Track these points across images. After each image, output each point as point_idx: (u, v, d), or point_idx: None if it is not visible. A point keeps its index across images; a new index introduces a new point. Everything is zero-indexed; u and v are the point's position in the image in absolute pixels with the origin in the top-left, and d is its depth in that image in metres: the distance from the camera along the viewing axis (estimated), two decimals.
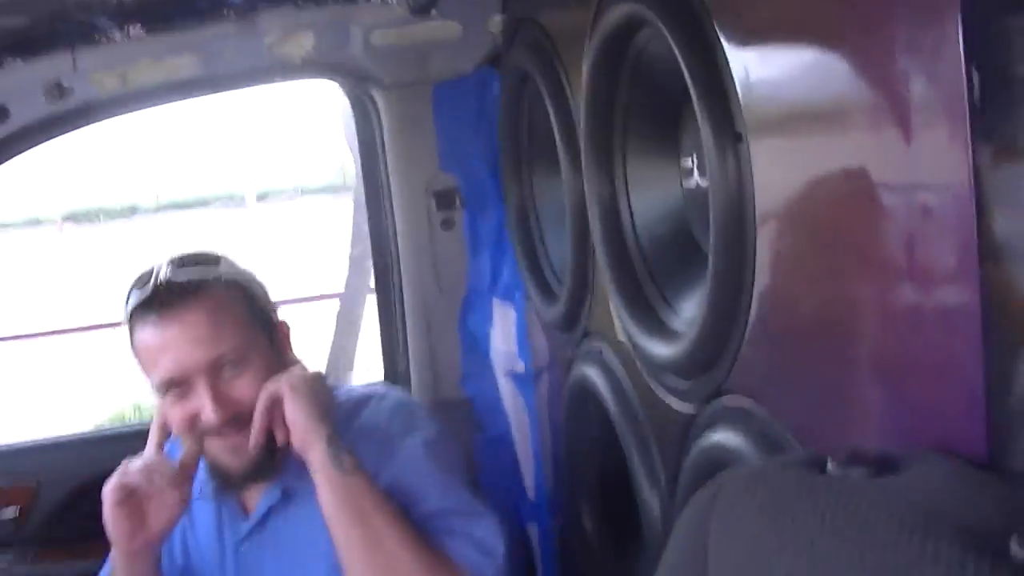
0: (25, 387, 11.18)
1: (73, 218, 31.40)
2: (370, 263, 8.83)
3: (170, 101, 2.93)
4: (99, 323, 13.10)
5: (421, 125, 2.85)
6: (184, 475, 2.12)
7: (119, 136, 26.80)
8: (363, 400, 2.26)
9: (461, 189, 2.89)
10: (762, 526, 1.08)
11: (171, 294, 2.04)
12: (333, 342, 8.75)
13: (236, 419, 2.05)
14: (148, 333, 2.05)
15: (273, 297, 2.24)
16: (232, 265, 2.17)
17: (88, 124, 2.82)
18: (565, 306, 2.40)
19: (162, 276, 2.07)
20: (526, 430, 2.89)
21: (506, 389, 2.93)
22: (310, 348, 2.24)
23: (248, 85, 2.93)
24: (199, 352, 2.02)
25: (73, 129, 2.81)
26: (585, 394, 2.34)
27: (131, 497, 2.09)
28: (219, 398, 2.03)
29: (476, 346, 2.97)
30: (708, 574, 1.16)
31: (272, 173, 30.68)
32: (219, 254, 2.18)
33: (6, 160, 2.79)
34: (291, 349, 2.23)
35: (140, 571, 2.18)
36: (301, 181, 30.54)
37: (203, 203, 30.47)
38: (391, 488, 2.07)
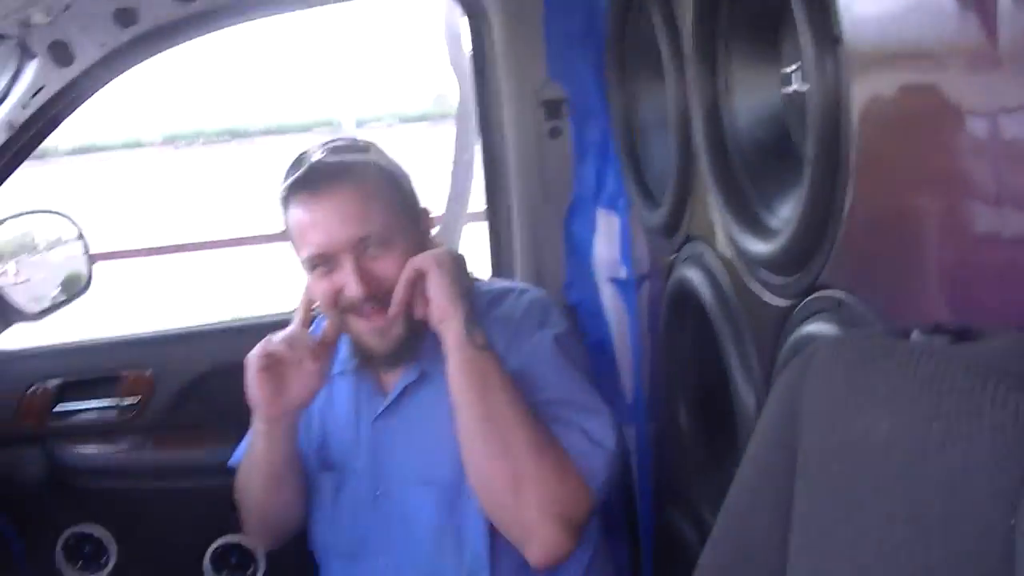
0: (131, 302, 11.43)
1: (172, 141, 31.76)
2: (470, 190, 8.94)
3: (295, 7, 3.02)
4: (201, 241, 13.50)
5: (531, 34, 2.89)
6: (325, 348, 2.25)
7: (221, 58, 26.97)
8: (503, 293, 2.36)
9: (569, 98, 2.94)
10: (849, 386, 1.17)
11: (323, 174, 2.17)
12: None
13: (378, 297, 2.15)
14: (299, 210, 2.17)
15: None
16: (381, 153, 2.28)
17: (214, 28, 2.92)
18: (667, 211, 2.46)
19: (315, 158, 2.19)
20: (626, 335, 2.97)
21: (607, 295, 3.00)
22: None
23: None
24: (347, 229, 2.12)
25: (199, 34, 2.90)
26: (684, 296, 2.41)
27: (274, 365, 2.22)
28: (363, 274, 2.13)
29: (580, 253, 3.04)
30: (799, 435, 1.24)
31: (370, 100, 30.70)
32: (371, 143, 2.30)
33: (133, 65, 2.89)
34: (431, 237, 2.34)
35: (279, 438, 2.32)
36: (398, 109, 30.57)
37: (303, 128, 30.65)
38: (516, 373, 2.16)
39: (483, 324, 2.17)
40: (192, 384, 3.20)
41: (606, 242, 2.96)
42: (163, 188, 21.73)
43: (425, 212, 2.33)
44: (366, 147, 2.28)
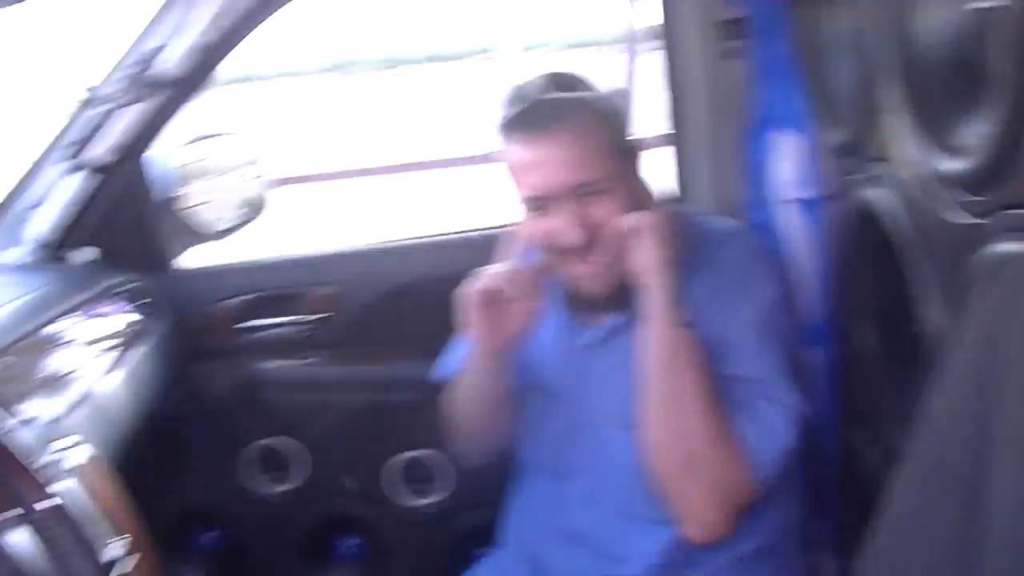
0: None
1: (339, 68, 32.01)
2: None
3: None
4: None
5: None
6: (542, 282, 2.27)
7: None
8: (727, 235, 2.38)
9: (749, 18, 2.89)
10: None
11: (544, 113, 2.16)
12: None
13: (594, 240, 2.17)
14: (518, 149, 2.18)
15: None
16: (602, 92, 2.26)
17: None
18: (850, 131, 2.42)
19: (536, 94, 2.18)
20: (808, 256, 2.94)
21: (786, 218, 2.98)
22: None
23: None
24: (565, 174, 2.13)
25: None
26: (868, 216, 2.37)
27: (493, 299, 2.25)
28: (579, 220, 2.14)
29: (758, 175, 2.98)
30: (997, 353, 1.24)
31: (534, 25, 30.48)
32: (591, 80, 2.27)
33: (268, 15, 2.95)
34: (642, 179, 2.32)
35: (497, 369, 2.38)
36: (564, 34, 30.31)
37: (461, 56, 30.61)
38: (716, 339, 2.17)
39: (708, 266, 2.21)
40: (376, 301, 3.29)
41: (786, 163, 2.92)
42: (331, 114, 22.00)
43: (637, 150, 2.32)
44: (588, 85, 2.25)
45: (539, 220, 2.19)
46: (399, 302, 3.21)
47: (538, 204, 2.17)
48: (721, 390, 2.13)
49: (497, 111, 2.22)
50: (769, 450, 2.14)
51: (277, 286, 3.41)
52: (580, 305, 2.34)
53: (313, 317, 3.35)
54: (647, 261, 2.12)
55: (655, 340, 2.12)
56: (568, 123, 2.13)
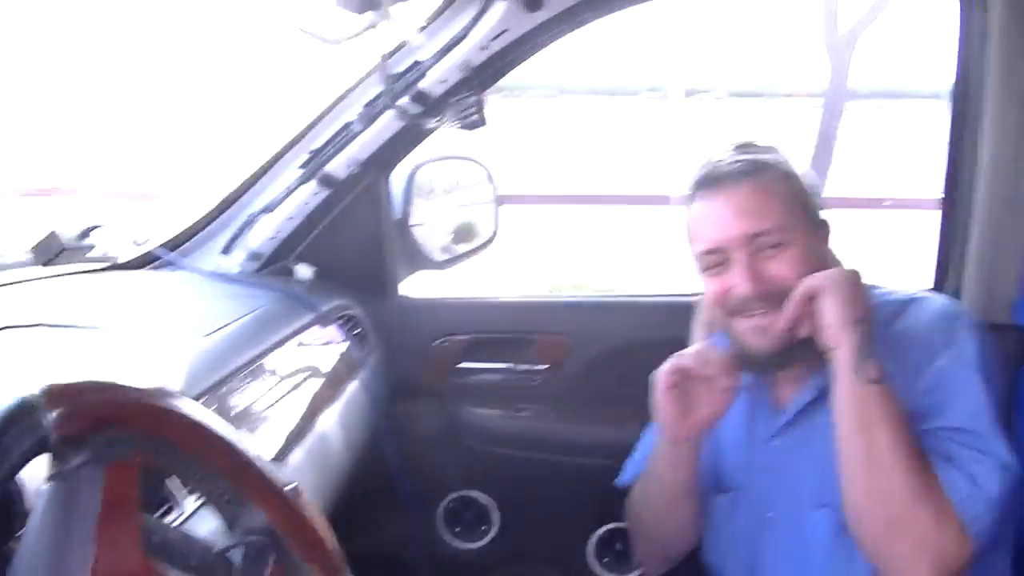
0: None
1: (498, 90, 32.31)
2: (827, 170, 8.77)
3: None
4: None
5: None
6: (735, 363, 2.14)
7: None
8: (906, 303, 2.19)
9: None
10: None
11: (724, 171, 2.12)
12: None
13: (767, 297, 2.06)
14: (698, 205, 2.14)
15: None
16: (788, 157, 2.17)
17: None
18: None
19: (723, 156, 2.14)
20: None
21: None
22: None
23: None
24: (741, 223, 2.06)
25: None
26: None
27: (684, 382, 2.14)
28: (754, 272, 2.06)
29: None
30: None
31: (700, 70, 30.58)
32: (775, 145, 2.19)
33: (601, 16, 2.80)
34: (831, 249, 2.20)
35: (682, 456, 2.27)
36: (729, 82, 30.26)
37: (631, 92, 30.70)
38: (919, 398, 2.01)
39: (886, 340, 2.05)
40: (606, 357, 3.11)
41: None
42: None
43: (826, 224, 2.21)
44: (771, 148, 2.18)
45: (714, 279, 2.13)
46: (629, 360, 3.01)
47: (714, 259, 2.12)
48: (923, 444, 1.98)
49: (686, 181, 2.19)
50: (978, 501, 1.95)
51: (504, 327, 3.24)
52: (751, 368, 2.19)
53: (536, 367, 3.15)
54: (833, 318, 1.99)
55: (846, 398, 1.99)
56: (746, 176, 2.10)
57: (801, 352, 2.10)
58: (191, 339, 2.16)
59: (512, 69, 2.89)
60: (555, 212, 14.48)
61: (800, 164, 2.19)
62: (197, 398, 1.94)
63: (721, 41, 30.93)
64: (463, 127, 2.54)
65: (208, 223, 3.04)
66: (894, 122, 23.02)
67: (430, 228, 3.28)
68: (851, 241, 2.50)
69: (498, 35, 2.72)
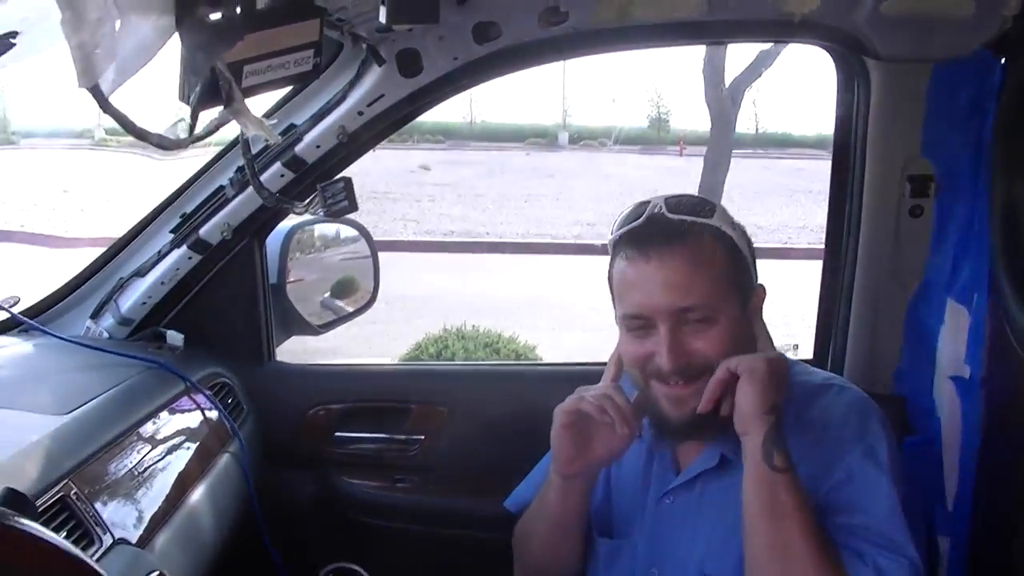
0: None
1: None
2: None
3: (659, 44, 2.90)
4: None
5: (910, 104, 2.68)
6: (637, 411, 2.13)
7: None
8: (821, 389, 2.17)
9: (937, 177, 2.71)
10: None
11: (659, 232, 2.05)
12: None
13: (687, 371, 2.04)
14: (626, 265, 2.07)
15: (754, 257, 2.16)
16: (727, 219, 2.10)
17: (572, 55, 2.82)
18: None
19: (655, 212, 2.06)
20: (958, 438, 2.71)
21: (945, 393, 2.76)
22: None
23: (740, 39, 2.86)
24: (669, 297, 2.01)
25: (557, 59, 2.81)
26: None
27: (581, 422, 2.14)
28: (677, 347, 2.02)
29: (920, 342, 2.81)
30: None
31: (586, 116, 31.04)
32: (717, 205, 2.14)
33: (480, 82, 2.79)
34: (760, 316, 2.17)
35: (572, 495, 2.25)
36: (614, 129, 30.60)
37: (518, 136, 30.85)
38: (830, 491, 2.01)
39: (798, 426, 2.05)
40: (486, 427, 3.06)
41: (951, 336, 2.73)
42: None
43: (760, 289, 2.18)
44: (711, 210, 2.11)
45: (635, 341, 2.09)
46: (508, 430, 2.98)
47: (637, 323, 2.07)
48: (832, 537, 1.98)
49: (614, 220, 2.15)
50: None
51: (380, 396, 3.18)
52: (661, 433, 2.18)
53: (414, 437, 3.11)
54: (746, 404, 1.99)
55: (755, 485, 1.98)
56: (680, 244, 2.04)
57: (712, 426, 2.08)
58: (50, 420, 2.09)
59: (390, 133, 2.89)
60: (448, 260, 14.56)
61: (736, 220, 2.15)
62: (58, 482, 1.87)
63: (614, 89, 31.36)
64: (331, 214, 2.50)
65: (78, 286, 2.95)
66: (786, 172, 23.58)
67: (307, 292, 3.23)
68: None
69: (374, 101, 2.70)
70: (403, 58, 2.65)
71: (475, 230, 17.84)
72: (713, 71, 9.23)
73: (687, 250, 2.03)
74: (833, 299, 2.95)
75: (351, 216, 3.20)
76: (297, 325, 3.17)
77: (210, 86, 1.31)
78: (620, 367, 2.18)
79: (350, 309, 3.32)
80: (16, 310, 2.83)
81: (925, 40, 2.60)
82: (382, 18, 1.95)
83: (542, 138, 30.40)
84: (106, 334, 2.92)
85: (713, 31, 2.80)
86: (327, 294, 3.36)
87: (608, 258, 2.14)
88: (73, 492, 1.90)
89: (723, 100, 9.15)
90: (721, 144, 9.24)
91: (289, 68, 1.49)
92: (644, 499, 2.29)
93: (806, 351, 3.06)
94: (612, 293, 2.13)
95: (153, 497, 2.21)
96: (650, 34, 2.72)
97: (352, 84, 2.69)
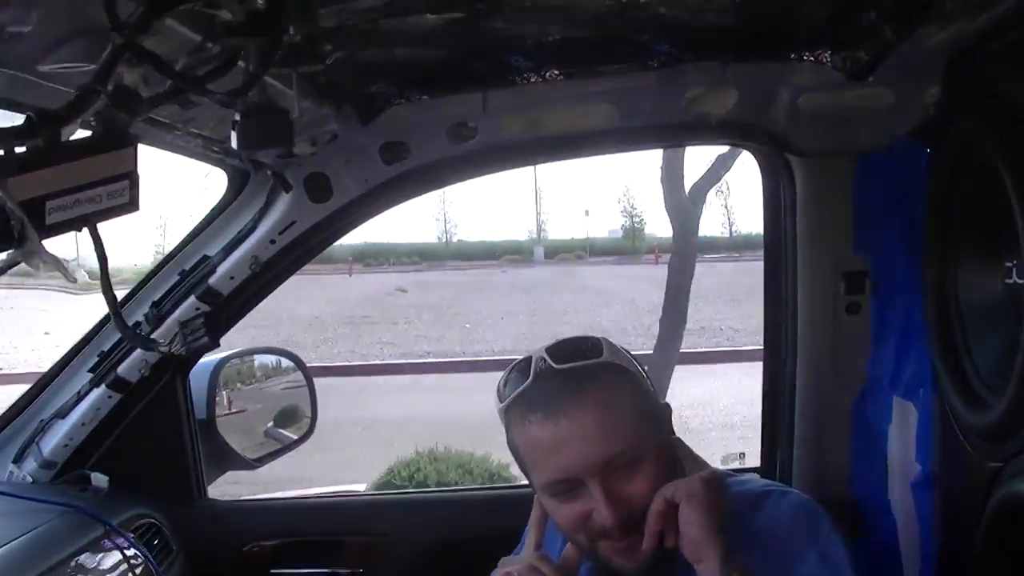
0: None
1: (361, 258, 32.36)
2: (682, 332, 8.85)
3: (574, 155, 2.82)
4: None
5: (837, 199, 2.63)
6: (568, 570, 2.00)
7: None
8: (760, 497, 2.06)
9: (871, 271, 2.66)
10: None
11: (557, 387, 1.93)
12: None
13: (630, 520, 1.91)
14: (534, 430, 1.94)
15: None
16: (615, 351, 2.00)
17: (485, 172, 2.76)
18: (1001, 414, 2.09)
19: (542, 368, 1.94)
20: (916, 541, 2.62)
21: (898, 493, 2.67)
22: None
23: (658, 144, 2.82)
24: (592, 452, 1.89)
25: (470, 176, 2.75)
26: (1019, 515, 2.06)
27: None
28: (613, 499, 1.89)
29: (869, 443, 2.72)
30: None
31: (557, 228, 31.44)
32: (599, 339, 2.01)
33: (393, 204, 2.74)
34: (674, 434, 2.06)
35: None
36: (586, 240, 30.87)
37: (492, 254, 31.06)
38: None
39: (743, 539, 1.92)
40: (423, 556, 2.95)
41: (900, 435, 2.66)
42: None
43: (666, 410, 2.07)
44: (598, 347, 1.99)
45: (566, 504, 1.95)
46: (447, 559, 2.88)
47: (564, 487, 1.93)
48: None
49: (498, 387, 2.02)
50: None
51: (313, 530, 3.06)
52: None
53: (352, 571, 2.98)
54: (693, 531, 1.86)
55: None
56: (584, 395, 1.92)
57: (666, 566, 1.95)
58: None
59: (306, 261, 2.82)
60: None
61: (618, 346, 2.03)
62: None
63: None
64: (191, 351, 2.43)
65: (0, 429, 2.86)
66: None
67: (240, 425, 3.15)
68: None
69: (285, 228, 2.64)
70: (311, 183, 2.61)
71: (452, 350, 17.89)
72: (671, 177, 9.23)
73: (593, 397, 1.92)
74: (776, 404, 2.87)
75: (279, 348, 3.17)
76: (230, 460, 3.08)
77: (1, 227, 1.23)
78: (542, 532, 2.04)
79: (294, 437, 3.22)
80: None
81: (846, 133, 2.56)
82: (234, 144, 1.87)
83: (518, 254, 30.59)
84: (29, 478, 2.82)
85: (629, 138, 2.73)
86: (271, 424, 3.27)
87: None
88: None
89: (683, 206, 9.18)
90: (685, 249, 9.23)
91: (101, 202, 1.39)
92: None
93: (753, 459, 2.97)
94: (521, 462, 2.02)
95: None
96: (563, 145, 2.68)
97: (262, 212, 2.65)
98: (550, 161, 2.78)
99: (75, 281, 1.38)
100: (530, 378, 1.95)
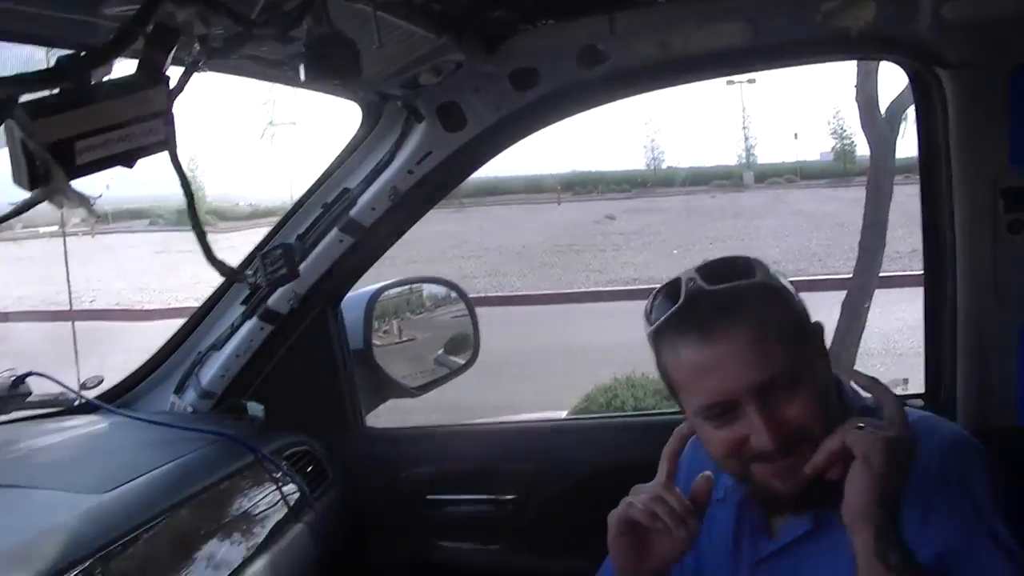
0: None
1: (570, 187, 32.42)
2: (881, 256, 8.59)
3: (708, 75, 2.74)
4: None
5: (994, 113, 2.47)
6: (694, 511, 1.95)
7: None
8: (918, 430, 1.91)
9: None
10: None
11: (710, 308, 1.87)
12: (835, 335, 8.37)
13: (788, 442, 1.84)
14: (687, 353, 1.87)
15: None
16: (767, 272, 1.92)
17: (620, 96, 2.70)
18: None
19: (694, 288, 1.88)
20: None
21: None
22: None
23: (795, 62, 2.68)
24: (749, 374, 1.83)
25: (605, 101, 2.69)
26: None
27: (635, 531, 1.97)
28: (773, 423, 1.83)
29: None
30: None
31: (766, 154, 31.03)
32: (751, 258, 1.94)
33: (532, 131, 2.70)
34: (826, 351, 1.98)
35: None
36: (797, 164, 30.28)
37: (702, 179, 30.75)
38: (937, 557, 1.80)
39: None
40: (577, 484, 2.94)
41: None
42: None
43: (818, 328, 1.98)
44: (751, 268, 1.92)
45: (721, 429, 1.89)
46: (600, 485, 2.86)
47: (719, 410, 1.87)
48: None
49: (645, 310, 1.96)
50: None
51: (468, 457, 3.08)
52: (768, 505, 2.02)
53: (506, 496, 3.01)
54: (857, 493, 1.76)
55: None
56: (742, 316, 1.85)
57: (823, 492, 1.87)
58: (85, 499, 2.06)
59: (443, 195, 2.83)
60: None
61: (768, 266, 1.95)
62: (81, 562, 1.83)
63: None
64: (271, 283, 2.45)
65: (160, 362, 2.97)
66: None
67: (400, 354, 3.18)
68: None
69: (422, 158, 2.65)
70: (444, 112, 2.61)
71: (659, 276, 17.75)
72: (865, 98, 8.89)
73: (747, 318, 1.86)
74: (939, 330, 2.75)
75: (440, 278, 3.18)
76: (390, 388, 3.12)
77: (28, 167, 1.25)
78: (674, 463, 2.00)
79: (451, 369, 3.25)
80: (101, 389, 2.85)
81: (999, 44, 2.41)
82: (302, 76, 1.86)
83: (727, 180, 30.16)
84: (190, 408, 2.92)
85: (763, 57, 2.64)
86: (440, 351, 3.30)
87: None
88: (98, 572, 1.86)
89: (880, 127, 8.83)
90: (882, 172, 8.89)
91: (134, 140, 1.39)
92: (735, 565, 2.12)
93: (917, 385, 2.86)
94: (673, 387, 1.95)
95: (200, 573, 2.17)
96: (694, 67, 2.61)
97: (398, 144, 2.66)
98: (680, 84, 2.69)
99: (98, 218, 1.40)
100: (682, 299, 1.89)
